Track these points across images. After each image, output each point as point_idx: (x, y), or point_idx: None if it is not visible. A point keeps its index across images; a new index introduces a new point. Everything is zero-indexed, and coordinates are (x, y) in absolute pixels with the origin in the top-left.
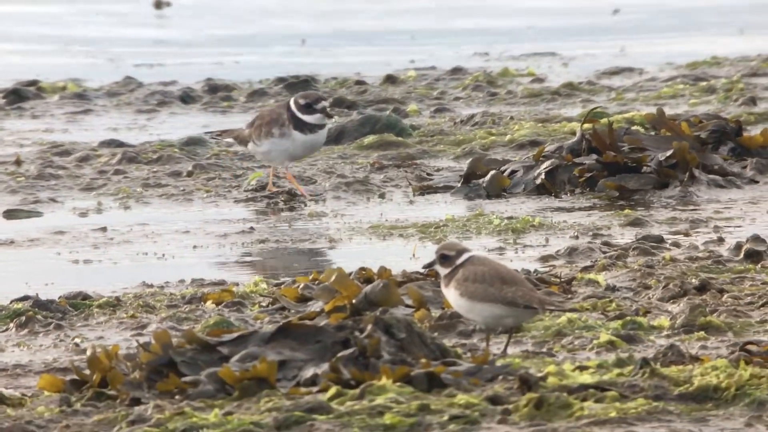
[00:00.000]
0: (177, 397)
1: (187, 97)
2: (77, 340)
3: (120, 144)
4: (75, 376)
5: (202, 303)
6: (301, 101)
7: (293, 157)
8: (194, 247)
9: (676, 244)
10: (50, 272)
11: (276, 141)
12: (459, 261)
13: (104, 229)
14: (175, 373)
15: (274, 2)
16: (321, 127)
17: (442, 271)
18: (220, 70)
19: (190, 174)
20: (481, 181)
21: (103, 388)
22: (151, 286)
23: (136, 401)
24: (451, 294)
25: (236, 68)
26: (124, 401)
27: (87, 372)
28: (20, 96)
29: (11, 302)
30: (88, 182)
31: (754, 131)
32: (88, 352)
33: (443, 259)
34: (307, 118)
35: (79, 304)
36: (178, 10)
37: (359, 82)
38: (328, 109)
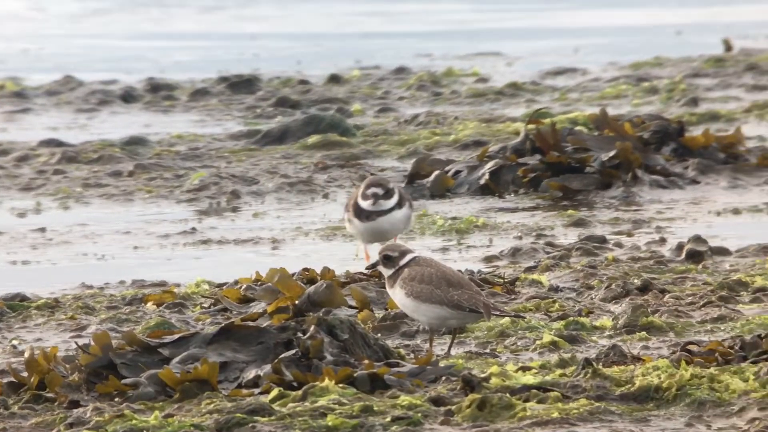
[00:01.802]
0: (117, 399)
1: (128, 96)
2: (15, 342)
3: (60, 143)
4: (12, 379)
5: (143, 304)
6: (362, 188)
7: (365, 240)
8: (135, 247)
9: (619, 245)
10: None
11: (347, 225)
12: (402, 262)
13: (43, 229)
14: (114, 375)
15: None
16: (381, 213)
17: (386, 272)
18: (162, 68)
19: (131, 174)
20: (425, 181)
21: (42, 391)
22: (91, 287)
23: (75, 404)
24: (396, 294)
25: (178, 67)
26: (63, 404)
27: (25, 374)
28: None
29: None
30: (26, 182)
31: (696, 132)
32: (26, 354)
33: (386, 259)
34: (366, 205)
35: (16, 305)
36: (117, 9)
37: (303, 82)
38: (378, 193)
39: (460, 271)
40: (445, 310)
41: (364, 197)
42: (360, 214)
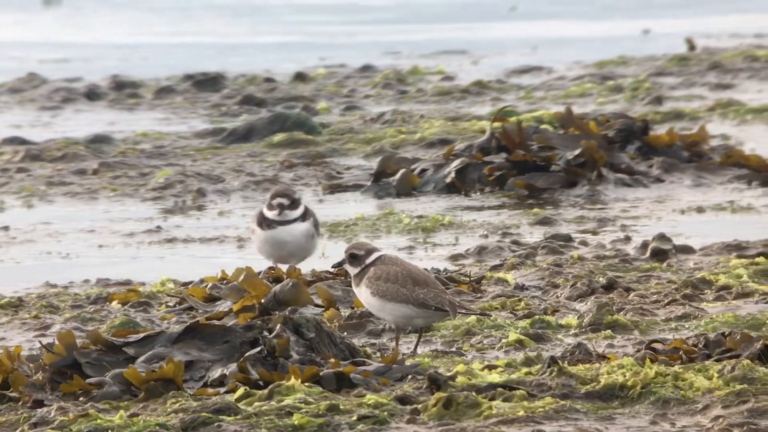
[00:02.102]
0: (81, 398)
1: (92, 94)
2: None
3: (23, 141)
4: None
5: (108, 303)
6: (268, 197)
7: (266, 253)
8: (100, 246)
9: (584, 243)
10: None
11: (252, 237)
12: (368, 260)
13: (6, 228)
14: (79, 375)
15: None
16: (283, 222)
17: (352, 270)
18: (125, 66)
19: (95, 172)
20: (391, 179)
21: (5, 390)
22: (55, 286)
23: (39, 403)
24: (362, 292)
25: (143, 65)
26: (27, 403)
27: None
28: None
29: None
30: None
31: (660, 130)
32: None
33: (353, 258)
34: (269, 214)
35: None
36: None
37: (268, 80)
38: (284, 203)
39: (426, 269)
40: (411, 308)
41: (270, 207)
42: (262, 222)
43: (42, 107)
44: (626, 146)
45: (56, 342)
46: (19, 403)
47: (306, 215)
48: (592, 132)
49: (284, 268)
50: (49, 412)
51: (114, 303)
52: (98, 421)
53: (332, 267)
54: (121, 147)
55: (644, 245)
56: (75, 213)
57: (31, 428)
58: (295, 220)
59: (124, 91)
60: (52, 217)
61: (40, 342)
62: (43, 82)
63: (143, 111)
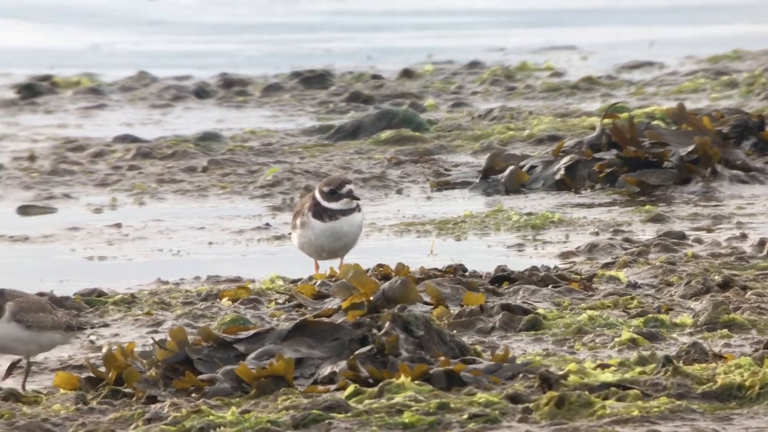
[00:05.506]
0: (193, 395)
1: (201, 92)
2: (92, 338)
3: (134, 139)
4: (91, 374)
5: (218, 300)
6: (325, 188)
7: (319, 247)
8: (210, 243)
9: (699, 241)
10: (65, 269)
11: (300, 232)
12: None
13: (119, 225)
14: (191, 371)
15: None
16: (346, 212)
17: None
18: (234, 63)
19: (205, 169)
20: (499, 176)
21: (119, 386)
22: (167, 282)
23: (152, 399)
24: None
25: (251, 62)
26: (140, 399)
27: (103, 369)
28: (34, 91)
29: None
30: (102, 178)
31: None
32: (104, 350)
33: None
34: (332, 205)
35: (94, 301)
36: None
37: (375, 77)
38: (355, 192)
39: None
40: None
41: (330, 197)
42: (322, 214)
43: (152, 105)
44: (741, 142)
45: (168, 338)
46: (133, 399)
47: (358, 205)
48: (706, 128)
49: (327, 265)
50: (162, 408)
51: (224, 300)
52: (210, 417)
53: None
54: (230, 144)
55: (761, 243)
56: (185, 210)
57: (145, 424)
58: (353, 210)
59: (232, 88)
60: (162, 215)
61: (152, 338)
62: (154, 80)
63: (251, 108)
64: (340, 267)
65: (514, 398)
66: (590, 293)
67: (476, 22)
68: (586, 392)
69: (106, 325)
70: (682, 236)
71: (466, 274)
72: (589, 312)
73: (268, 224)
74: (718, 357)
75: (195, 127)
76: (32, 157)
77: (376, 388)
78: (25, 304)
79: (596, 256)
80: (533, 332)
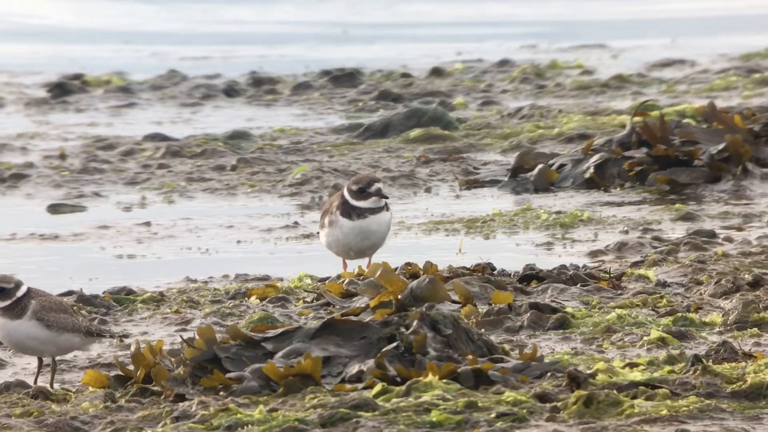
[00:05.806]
0: (221, 393)
1: (231, 91)
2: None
3: (164, 138)
4: (119, 372)
5: (246, 298)
6: (354, 187)
7: (347, 246)
8: (238, 241)
9: (729, 239)
10: (94, 267)
11: (328, 230)
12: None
13: (148, 223)
14: (219, 369)
15: None
16: (375, 210)
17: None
18: (264, 63)
19: (234, 168)
20: (528, 175)
21: (148, 384)
22: (195, 281)
23: (181, 397)
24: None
25: (280, 61)
26: (169, 397)
27: (131, 368)
28: (65, 90)
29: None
30: (132, 176)
31: None
32: (132, 348)
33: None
34: (361, 204)
35: (123, 299)
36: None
37: (405, 75)
38: (383, 190)
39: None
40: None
41: (359, 195)
42: (351, 212)
43: (182, 104)
44: None
45: (197, 337)
46: (162, 397)
47: (387, 204)
48: (737, 126)
49: (355, 264)
50: (190, 406)
51: (252, 298)
52: (238, 415)
53: None
54: (259, 143)
55: None
56: (214, 209)
57: (173, 422)
58: (382, 209)
59: (261, 87)
60: (191, 213)
61: (181, 336)
62: (183, 79)
63: (280, 107)
64: (368, 265)
65: (542, 397)
66: (619, 292)
67: (508, 30)
68: (615, 391)
69: (125, 336)
70: (712, 235)
71: (495, 272)
72: (618, 311)
73: (296, 222)
74: (748, 356)
75: (224, 126)
76: (63, 156)
77: (403, 387)
78: (48, 303)
79: (625, 254)
80: (561, 331)
